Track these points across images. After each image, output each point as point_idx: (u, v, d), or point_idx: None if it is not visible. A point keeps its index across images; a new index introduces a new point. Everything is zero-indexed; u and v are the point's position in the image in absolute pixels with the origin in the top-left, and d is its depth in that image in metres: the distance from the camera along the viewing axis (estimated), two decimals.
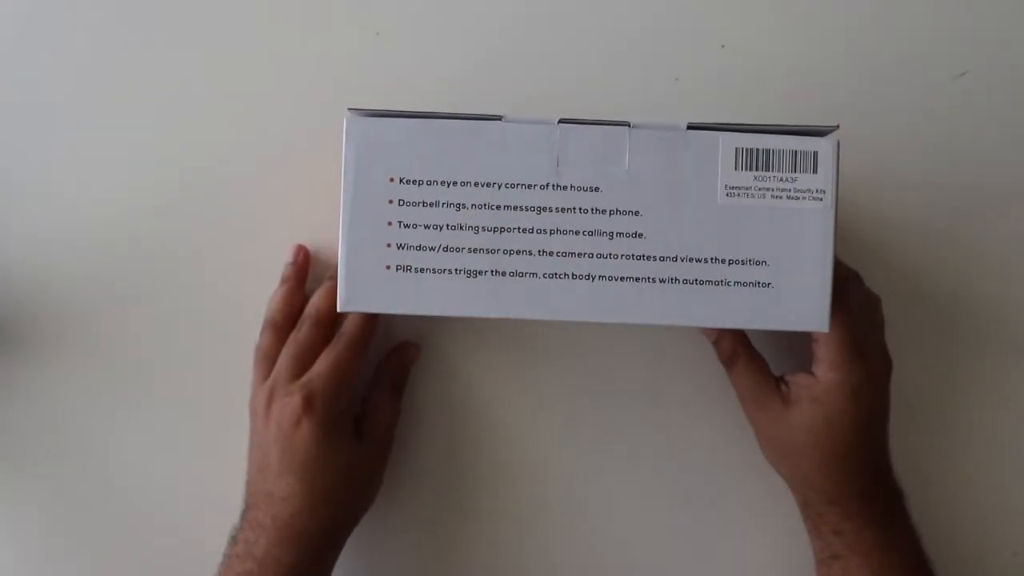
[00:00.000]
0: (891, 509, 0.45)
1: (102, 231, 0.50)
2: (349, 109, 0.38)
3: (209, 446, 0.50)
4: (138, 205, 0.50)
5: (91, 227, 0.50)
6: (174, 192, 0.50)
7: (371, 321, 0.46)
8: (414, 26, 0.50)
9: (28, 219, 0.50)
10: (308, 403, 0.44)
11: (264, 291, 0.49)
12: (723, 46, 0.50)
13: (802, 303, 0.38)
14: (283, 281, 0.49)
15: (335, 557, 0.46)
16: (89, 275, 0.50)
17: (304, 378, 0.45)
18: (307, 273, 0.49)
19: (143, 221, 0.50)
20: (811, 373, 0.44)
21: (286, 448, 0.44)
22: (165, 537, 0.50)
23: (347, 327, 0.46)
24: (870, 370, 0.43)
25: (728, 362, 0.45)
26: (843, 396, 0.43)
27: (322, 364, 0.45)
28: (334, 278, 0.45)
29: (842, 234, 0.48)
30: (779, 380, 0.45)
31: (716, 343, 0.45)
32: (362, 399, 0.48)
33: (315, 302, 0.47)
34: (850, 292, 0.43)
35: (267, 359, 0.47)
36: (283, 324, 0.48)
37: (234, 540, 0.45)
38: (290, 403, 0.44)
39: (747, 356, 0.45)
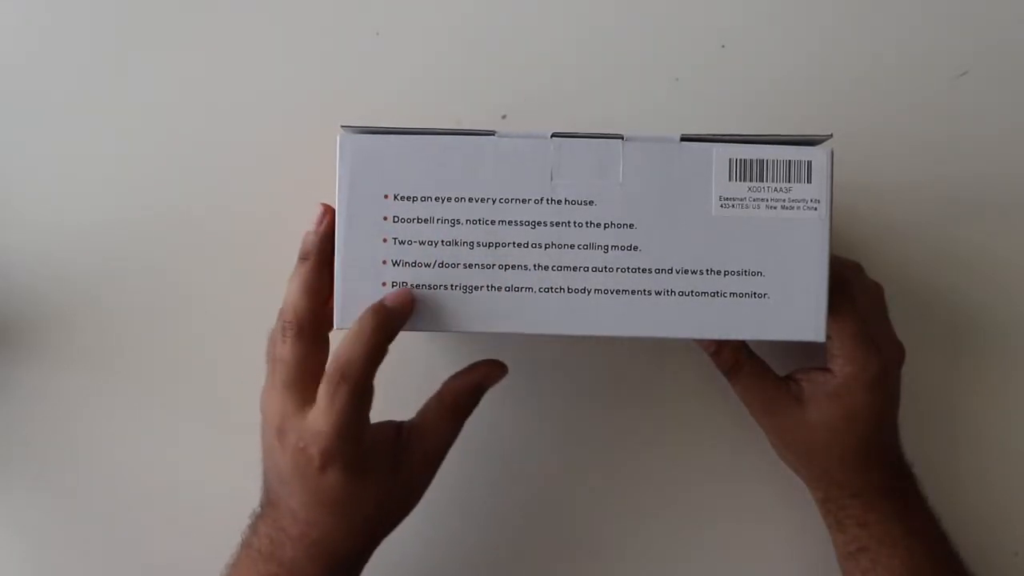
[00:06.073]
0: (910, 494, 0.45)
1: (102, 232, 0.50)
2: (342, 126, 0.38)
3: (210, 446, 0.50)
4: (138, 206, 0.50)
5: (91, 228, 0.50)
6: (174, 193, 0.50)
7: (374, 355, 0.38)
8: (414, 26, 0.50)
9: (29, 220, 0.50)
10: (326, 456, 0.38)
11: (263, 292, 0.45)
12: (723, 46, 0.50)
13: (798, 313, 0.38)
14: (302, 258, 0.40)
15: (363, 566, 0.43)
16: (90, 276, 0.50)
17: (311, 424, 0.38)
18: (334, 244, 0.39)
19: (143, 221, 0.50)
20: (826, 369, 0.43)
21: (307, 487, 0.39)
22: (166, 537, 0.50)
23: (348, 367, 0.37)
24: (885, 360, 0.43)
25: (729, 372, 0.44)
26: (861, 389, 0.42)
27: (325, 417, 0.37)
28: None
29: (841, 233, 0.48)
30: (786, 380, 0.44)
31: (715, 355, 0.44)
32: (420, 412, 0.43)
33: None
34: (855, 284, 0.42)
35: (276, 362, 0.40)
36: (303, 319, 0.39)
37: (255, 529, 0.42)
38: (305, 452, 0.38)
39: (750, 364, 0.44)
